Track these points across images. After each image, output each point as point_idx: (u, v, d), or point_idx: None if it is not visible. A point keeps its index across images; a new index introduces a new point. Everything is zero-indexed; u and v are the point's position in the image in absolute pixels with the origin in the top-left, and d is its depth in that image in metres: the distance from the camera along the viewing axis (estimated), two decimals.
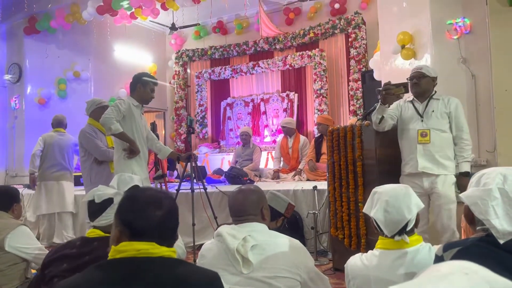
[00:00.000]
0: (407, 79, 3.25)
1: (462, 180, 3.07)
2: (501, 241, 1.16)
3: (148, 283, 1.13)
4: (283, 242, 1.72)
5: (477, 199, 1.23)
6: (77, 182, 5.92)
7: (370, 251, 1.73)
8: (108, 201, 1.87)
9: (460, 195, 1.33)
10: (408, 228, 1.62)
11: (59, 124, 5.39)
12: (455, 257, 1.21)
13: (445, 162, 3.10)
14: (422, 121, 3.17)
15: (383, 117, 3.14)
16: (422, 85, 3.17)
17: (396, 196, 1.62)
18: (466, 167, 3.06)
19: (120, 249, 1.17)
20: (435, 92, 3.23)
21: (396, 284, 1.58)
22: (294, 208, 2.63)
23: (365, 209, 1.74)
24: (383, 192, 1.66)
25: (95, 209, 1.89)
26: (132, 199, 1.25)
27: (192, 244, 4.01)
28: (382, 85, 3.86)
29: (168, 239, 1.25)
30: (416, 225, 1.67)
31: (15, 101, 7.37)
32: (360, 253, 1.78)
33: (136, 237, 1.19)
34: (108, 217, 1.83)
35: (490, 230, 1.20)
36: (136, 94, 3.71)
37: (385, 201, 1.62)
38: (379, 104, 3.12)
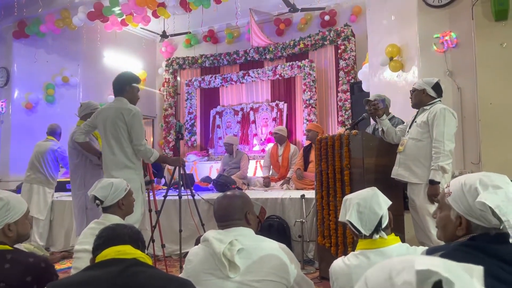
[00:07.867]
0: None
1: (428, 189, 3.08)
2: None
3: (125, 279, 1.30)
4: (270, 246, 1.73)
5: (498, 202, 1.16)
6: (62, 188, 5.86)
7: (351, 253, 1.78)
8: None
9: (478, 198, 1.20)
10: (383, 225, 1.72)
11: (50, 131, 5.46)
12: None
13: (416, 169, 3.15)
14: (408, 131, 3.34)
15: (382, 130, 3.50)
16: (412, 99, 3.37)
17: (365, 198, 1.74)
18: (431, 175, 3.03)
19: (103, 254, 1.37)
20: (437, 102, 3.24)
21: None
22: (266, 212, 2.66)
23: (340, 218, 1.82)
24: (353, 197, 1.78)
25: None
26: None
27: (179, 252, 3.98)
28: (370, 96, 3.98)
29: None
30: (390, 223, 1.76)
31: (2, 105, 7.27)
32: (342, 256, 1.81)
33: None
34: None
35: (472, 234, 1.22)
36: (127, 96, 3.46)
37: (356, 203, 1.73)
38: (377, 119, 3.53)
